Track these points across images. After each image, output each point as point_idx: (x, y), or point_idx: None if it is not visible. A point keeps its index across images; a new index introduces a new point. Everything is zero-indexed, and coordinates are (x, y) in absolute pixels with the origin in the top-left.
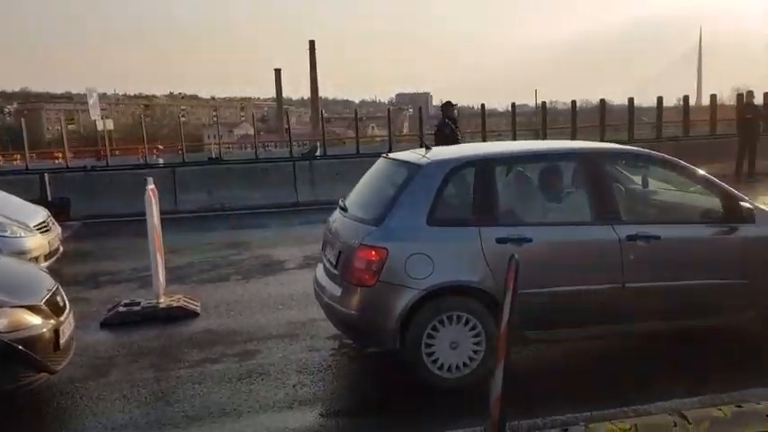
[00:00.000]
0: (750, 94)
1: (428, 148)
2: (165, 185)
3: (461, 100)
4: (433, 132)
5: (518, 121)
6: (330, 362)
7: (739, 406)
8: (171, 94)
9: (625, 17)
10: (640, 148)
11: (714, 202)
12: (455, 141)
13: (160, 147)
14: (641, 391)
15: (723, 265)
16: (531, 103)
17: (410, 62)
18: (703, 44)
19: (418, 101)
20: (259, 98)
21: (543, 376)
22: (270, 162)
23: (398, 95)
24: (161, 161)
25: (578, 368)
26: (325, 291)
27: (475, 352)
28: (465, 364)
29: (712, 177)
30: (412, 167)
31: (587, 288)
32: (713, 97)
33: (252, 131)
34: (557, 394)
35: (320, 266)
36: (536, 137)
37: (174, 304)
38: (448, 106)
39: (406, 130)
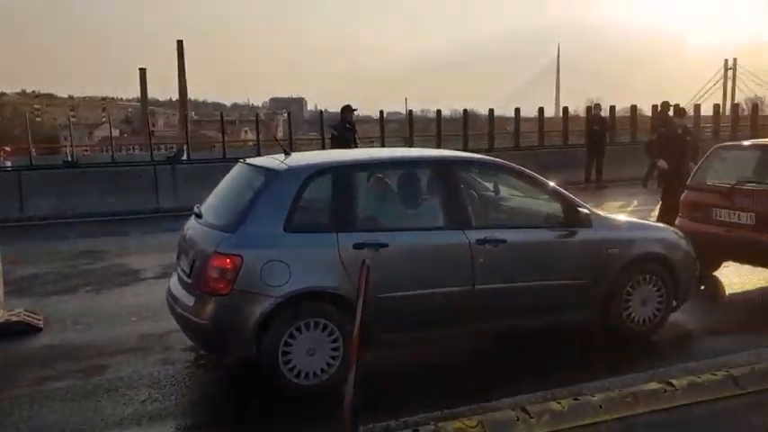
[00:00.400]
0: (597, 106)
1: (287, 153)
2: (11, 190)
3: (337, 106)
4: (330, 137)
5: (392, 128)
6: (184, 375)
7: (576, 399)
8: (24, 92)
9: (494, 29)
10: (490, 157)
11: (556, 208)
12: (351, 146)
13: (7, 149)
14: (491, 388)
15: (564, 267)
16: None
17: (286, 65)
18: (562, 58)
19: (293, 106)
20: (122, 98)
21: (402, 378)
22: (129, 166)
23: (273, 100)
24: (8, 164)
25: (433, 369)
26: (178, 301)
27: (333, 358)
28: (323, 371)
29: (553, 184)
30: (269, 173)
31: (441, 291)
32: (565, 110)
33: (115, 133)
34: (414, 395)
35: (174, 276)
36: (405, 144)
37: (14, 318)
38: (347, 111)
39: (280, 135)
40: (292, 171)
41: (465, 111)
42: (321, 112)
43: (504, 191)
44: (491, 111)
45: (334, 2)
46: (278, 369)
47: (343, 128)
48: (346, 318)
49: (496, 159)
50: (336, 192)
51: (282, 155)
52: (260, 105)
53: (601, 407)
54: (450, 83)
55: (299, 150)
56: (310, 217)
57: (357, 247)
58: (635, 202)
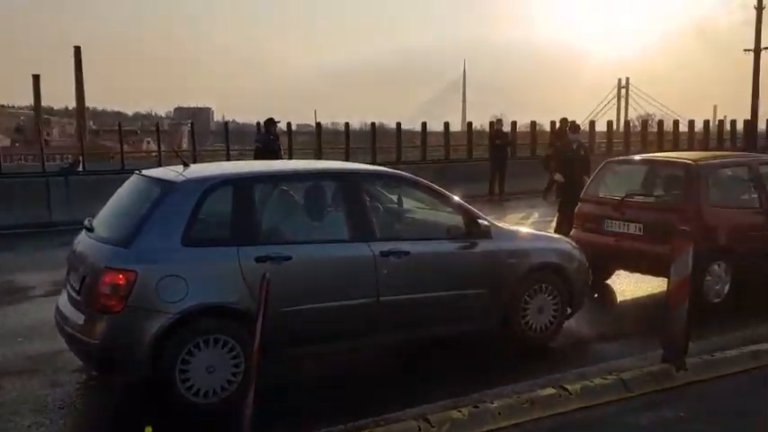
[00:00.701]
0: (499, 122)
1: (186, 165)
2: None
3: (248, 117)
4: (254, 148)
5: (302, 140)
6: (74, 398)
7: (476, 406)
8: None
9: (404, 44)
10: (395, 170)
11: (458, 220)
12: (277, 157)
13: None
14: (393, 399)
15: (466, 277)
16: (322, 123)
17: (190, 76)
18: (468, 74)
19: (199, 116)
20: (14, 106)
21: (305, 392)
22: (19, 177)
23: (177, 110)
24: None
25: (336, 381)
26: (67, 320)
27: (234, 374)
28: (223, 388)
29: (455, 197)
30: (166, 185)
31: (346, 303)
32: (469, 125)
33: (6, 143)
34: (317, 409)
35: (64, 293)
36: (315, 156)
37: None
38: (271, 123)
39: (185, 146)
40: (190, 183)
41: (373, 124)
42: (226, 123)
43: (408, 203)
44: (398, 124)
45: (243, 13)
46: (175, 388)
47: (268, 140)
48: (248, 333)
49: (401, 172)
50: (237, 204)
51: (181, 166)
52: (163, 115)
53: (499, 413)
54: (359, 96)
55: (204, 162)
56: (210, 230)
57: (259, 260)
58: (535, 214)
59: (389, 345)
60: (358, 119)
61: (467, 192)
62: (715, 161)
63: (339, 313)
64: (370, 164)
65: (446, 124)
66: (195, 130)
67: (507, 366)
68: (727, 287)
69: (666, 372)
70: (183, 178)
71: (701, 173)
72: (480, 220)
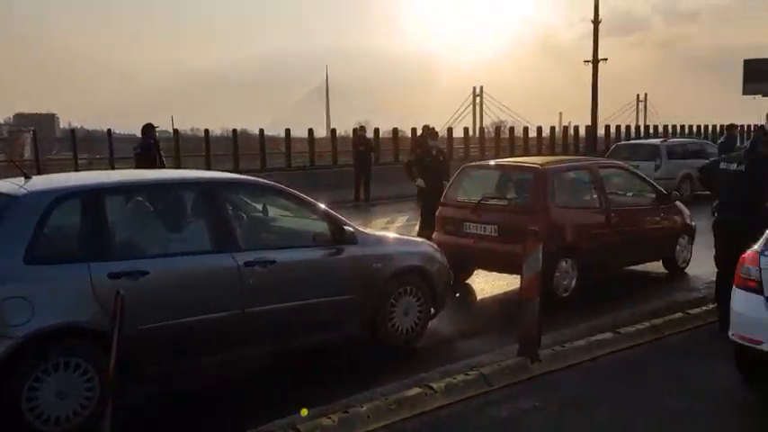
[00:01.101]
0: (362, 128)
1: (27, 177)
2: None
3: (98, 124)
4: (134, 155)
5: (161, 147)
6: None
7: (346, 411)
8: None
9: (266, 49)
10: (258, 178)
11: (323, 227)
12: (160, 164)
13: None
14: (262, 410)
15: (333, 284)
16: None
17: (38, 79)
18: (333, 81)
19: (42, 123)
20: None
21: (166, 410)
22: None
23: (18, 116)
24: None
25: (201, 397)
26: None
27: (87, 399)
28: (76, 413)
29: (320, 204)
30: (4, 199)
31: (209, 317)
32: (333, 131)
33: None
34: (180, 426)
35: None
36: (174, 165)
37: None
38: (150, 128)
39: (28, 155)
40: (33, 196)
41: (234, 131)
42: (73, 130)
43: (273, 211)
44: (261, 131)
45: (93, 13)
46: (23, 417)
47: (148, 144)
48: (102, 354)
49: (264, 180)
50: (86, 218)
51: (22, 178)
52: (2, 122)
53: (368, 416)
54: (221, 102)
55: (50, 172)
56: (57, 246)
57: (113, 276)
58: (400, 219)
59: (257, 357)
60: (219, 125)
61: (333, 198)
62: (560, 165)
63: (203, 328)
64: (232, 172)
65: (310, 131)
66: (39, 138)
67: (376, 369)
68: (574, 282)
69: (522, 364)
70: (25, 191)
71: (547, 176)
72: (346, 227)
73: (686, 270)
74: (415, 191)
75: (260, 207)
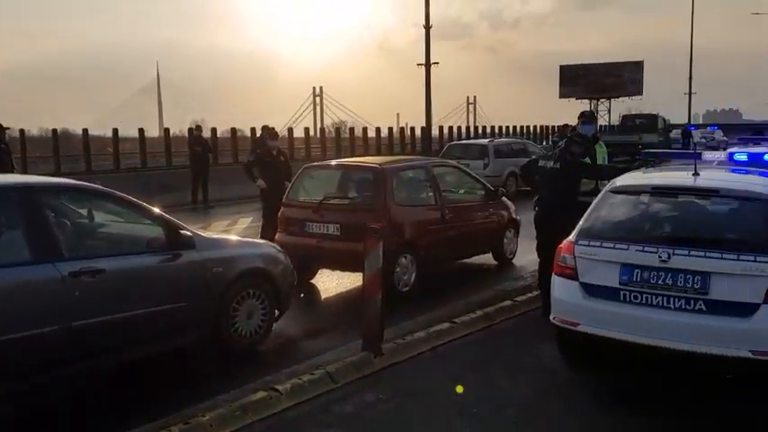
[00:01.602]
0: (198, 128)
1: None
2: None
3: None
4: None
5: None
6: None
7: (187, 422)
8: None
9: (89, 43)
10: (82, 182)
11: (158, 232)
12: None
13: None
14: (107, 424)
15: (170, 291)
16: None
17: None
18: (167, 78)
19: None
20: None
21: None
22: None
23: None
24: None
25: (36, 417)
26: None
27: None
28: None
29: (153, 208)
30: None
31: (30, 334)
32: (167, 131)
33: None
34: None
35: None
36: None
37: None
38: (0, 130)
39: None
40: None
41: (54, 131)
42: None
43: (101, 217)
44: (85, 131)
45: None
46: None
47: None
48: None
49: (88, 184)
50: None
51: None
52: None
53: (212, 425)
54: (40, 100)
55: None
56: None
57: None
58: (242, 221)
59: (91, 372)
60: (35, 124)
61: (168, 201)
62: (398, 165)
63: (23, 347)
64: (52, 175)
65: (141, 130)
66: None
67: (220, 375)
68: (413, 276)
69: (366, 359)
70: None
71: (386, 175)
72: (183, 231)
73: (513, 261)
74: (256, 192)
75: (85, 213)
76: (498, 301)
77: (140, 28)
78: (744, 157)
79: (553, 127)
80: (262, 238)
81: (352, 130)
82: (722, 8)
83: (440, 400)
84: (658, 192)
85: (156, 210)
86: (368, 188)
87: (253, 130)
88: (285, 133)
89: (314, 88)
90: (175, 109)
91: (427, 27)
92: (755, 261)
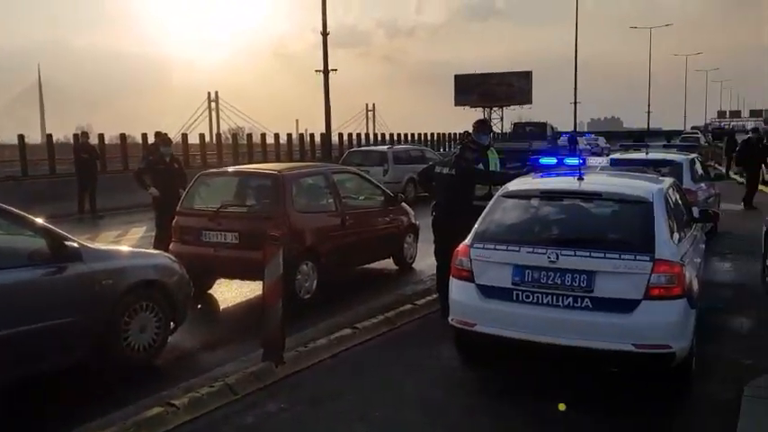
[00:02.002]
0: (85, 134)
1: None
2: None
3: None
4: None
5: None
6: None
7: None
8: None
9: None
10: None
11: (41, 244)
12: None
13: None
14: None
15: (55, 306)
16: None
17: None
18: (50, 82)
19: None
20: None
21: None
22: None
23: None
24: None
25: None
26: None
27: None
28: None
29: (35, 218)
30: None
31: None
32: (49, 137)
33: None
34: None
35: None
36: None
37: None
38: None
39: None
40: None
41: None
42: None
43: None
44: None
45: None
46: None
47: None
48: None
49: None
50: None
51: None
52: None
53: None
54: None
55: None
56: None
57: None
58: (133, 231)
59: None
60: None
61: (52, 211)
62: (297, 171)
63: None
64: None
65: (20, 136)
66: None
67: (113, 392)
68: (314, 283)
69: (267, 369)
70: None
71: (286, 182)
72: (68, 242)
73: (413, 265)
74: (148, 200)
75: None
76: (399, 305)
77: (21, 27)
78: (623, 163)
79: (454, 134)
80: (155, 248)
81: (249, 136)
82: (605, 22)
83: (342, 407)
84: (546, 196)
85: (39, 220)
86: (267, 195)
87: (144, 135)
88: (179, 139)
89: (209, 93)
90: (60, 114)
91: (324, 34)
92: (635, 259)
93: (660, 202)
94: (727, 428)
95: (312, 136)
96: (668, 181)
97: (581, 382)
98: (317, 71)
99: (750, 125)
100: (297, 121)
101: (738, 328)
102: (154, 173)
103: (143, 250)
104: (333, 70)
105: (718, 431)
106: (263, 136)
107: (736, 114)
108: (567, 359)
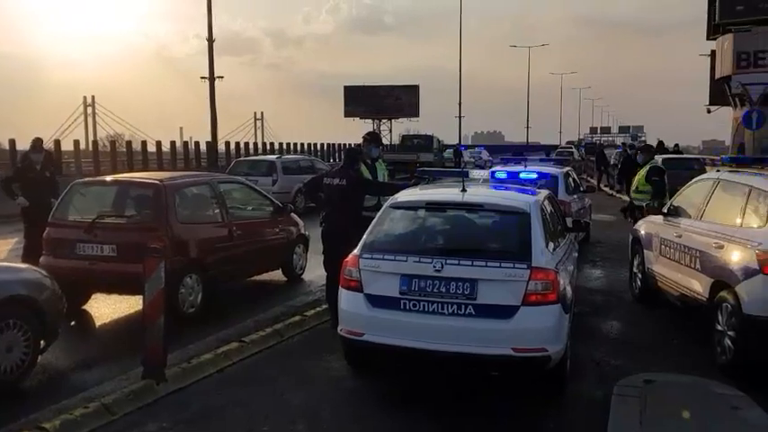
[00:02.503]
0: None
1: None
2: None
3: None
4: None
5: None
6: None
7: None
8: None
9: None
10: None
11: None
12: None
13: None
14: None
15: None
16: None
17: None
18: None
19: None
20: None
21: None
22: None
23: None
24: None
25: None
26: None
27: None
28: None
29: None
30: None
31: None
32: None
33: None
34: None
35: None
36: None
37: None
38: None
39: None
40: None
41: None
42: None
43: None
44: None
45: None
46: None
47: None
48: None
49: None
50: None
51: None
52: None
53: None
54: None
55: None
56: None
57: None
58: (0, 244)
59: None
60: None
61: None
62: (181, 181)
63: None
64: None
65: None
66: None
67: None
68: (200, 297)
69: (148, 387)
70: None
71: (168, 192)
72: None
73: (303, 276)
74: (16, 211)
75: None
76: (288, 317)
77: None
78: (503, 175)
79: (343, 144)
80: (24, 261)
81: (129, 143)
82: (487, 40)
83: (227, 423)
84: (431, 207)
85: None
86: (148, 205)
87: (12, 142)
88: (52, 146)
89: (84, 98)
90: None
91: (210, 41)
92: (514, 267)
93: (536, 213)
94: (598, 426)
95: (197, 144)
96: (544, 193)
97: (466, 387)
98: (202, 78)
99: (620, 140)
100: (181, 128)
101: (609, 332)
102: (23, 181)
103: (9, 264)
104: (219, 77)
105: (589, 429)
106: (144, 143)
107: (606, 130)
108: (452, 365)
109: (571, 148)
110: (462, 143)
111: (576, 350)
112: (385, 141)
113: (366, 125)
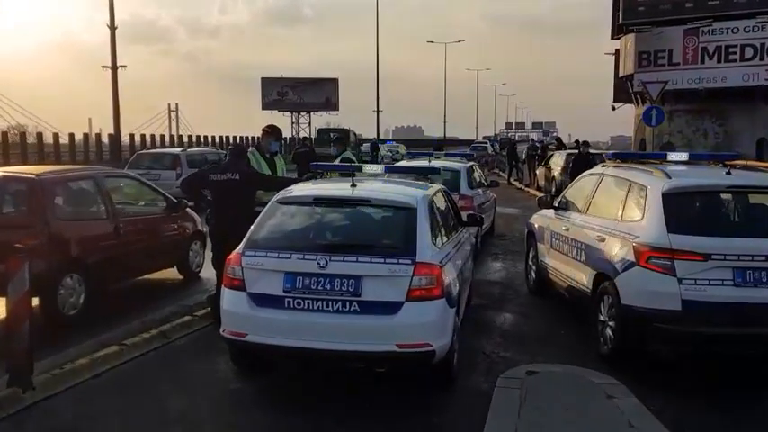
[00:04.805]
0: None
1: None
2: None
3: None
4: None
5: None
6: None
7: None
8: None
9: None
10: None
11: None
12: None
13: None
14: None
15: None
16: None
17: None
18: None
19: None
20: None
21: None
22: None
23: None
24: None
25: None
26: None
27: None
28: None
29: None
30: None
31: None
32: None
33: None
34: None
35: None
36: None
37: None
38: None
39: None
40: None
41: None
42: None
43: None
44: None
45: None
46: None
47: None
48: None
49: None
50: None
51: None
52: None
53: None
54: None
55: None
56: None
57: None
58: None
59: None
60: None
61: None
62: (60, 175)
63: None
64: None
65: None
66: None
67: None
68: (82, 298)
69: (13, 396)
70: None
71: (44, 187)
72: None
73: (200, 274)
74: None
75: None
76: (178, 317)
77: None
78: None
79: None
80: None
81: (23, 135)
82: (407, 35)
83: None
84: (319, 202)
85: None
86: (22, 201)
87: None
88: None
89: None
90: None
91: (112, 27)
92: (398, 263)
93: (424, 207)
94: (480, 417)
95: (98, 136)
96: (435, 188)
97: (352, 385)
98: (103, 67)
99: (534, 135)
100: (90, 119)
101: (502, 324)
102: None
103: None
104: (122, 66)
105: (471, 420)
106: (40, 135)
107: (521, 126)
108: (337, 363)
109: (486, 143)
110: (387, 138)
111: (468, 343)
112: (305, 134)
113: (285, 118)
